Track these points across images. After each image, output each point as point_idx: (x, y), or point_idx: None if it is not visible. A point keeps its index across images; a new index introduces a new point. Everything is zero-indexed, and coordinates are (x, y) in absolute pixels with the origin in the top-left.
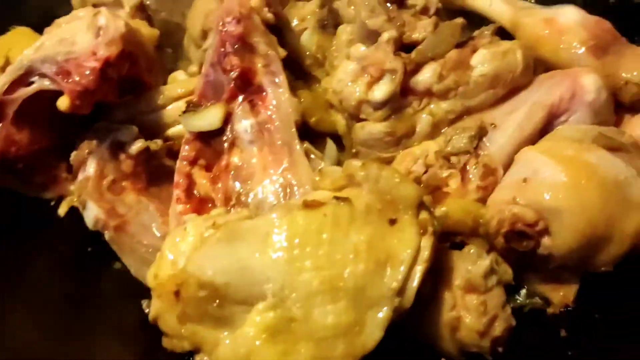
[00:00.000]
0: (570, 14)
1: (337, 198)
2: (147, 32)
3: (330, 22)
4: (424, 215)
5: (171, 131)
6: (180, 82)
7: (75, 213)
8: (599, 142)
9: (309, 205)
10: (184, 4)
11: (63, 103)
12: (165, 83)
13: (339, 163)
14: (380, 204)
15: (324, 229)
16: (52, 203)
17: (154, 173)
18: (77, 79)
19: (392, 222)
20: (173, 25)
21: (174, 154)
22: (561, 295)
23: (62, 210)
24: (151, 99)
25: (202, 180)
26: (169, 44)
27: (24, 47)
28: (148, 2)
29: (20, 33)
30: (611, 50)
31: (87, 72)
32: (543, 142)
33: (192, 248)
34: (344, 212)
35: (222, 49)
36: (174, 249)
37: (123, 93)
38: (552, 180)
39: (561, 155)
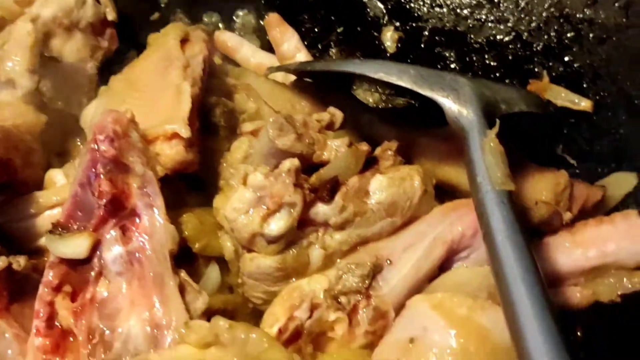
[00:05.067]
0: None
1: None
2: (31, 119)
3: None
4: None
5: (42, 241)
6: (56, 190)
7: None
8: (494, 298)
9: None
10: (82, 94)
11: None
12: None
13: (222, 286)
14: None
15: None
16: None
17: (18, 287)
18: None
19: None
20: (67, 115)
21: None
22: None
23: None
24: (23, 205)
25: (64, 311)
26: (60, 132)
27: None
28: (44, 89)
29: None
30: (516, 172)
31: None
32: (436, 290)
33: None
34: None
35: (93, 170)
36: None
37: None
38: (440, 345)
39: (453, 314)
